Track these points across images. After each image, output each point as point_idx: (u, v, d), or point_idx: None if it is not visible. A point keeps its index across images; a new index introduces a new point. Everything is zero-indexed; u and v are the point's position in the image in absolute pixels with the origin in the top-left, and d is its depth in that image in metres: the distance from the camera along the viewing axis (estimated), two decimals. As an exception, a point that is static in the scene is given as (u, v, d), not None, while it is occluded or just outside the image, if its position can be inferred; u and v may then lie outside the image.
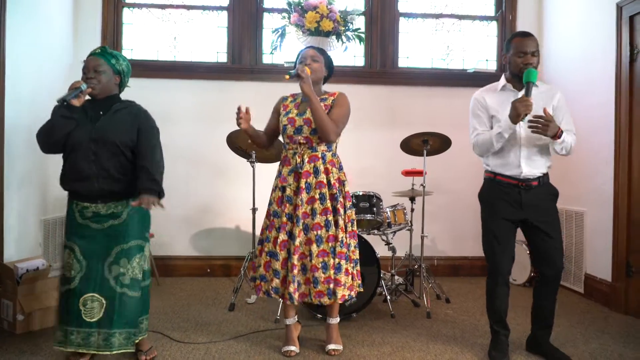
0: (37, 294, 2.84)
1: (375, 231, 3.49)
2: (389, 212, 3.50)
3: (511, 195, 2.49)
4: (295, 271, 2.48)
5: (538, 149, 2.50)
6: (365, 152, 4.31)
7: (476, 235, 4.43)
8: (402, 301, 3.57)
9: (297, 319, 2.70)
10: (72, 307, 2.29)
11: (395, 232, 3.60)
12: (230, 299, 3.43)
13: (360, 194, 3.37)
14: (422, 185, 3.50)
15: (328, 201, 2.54)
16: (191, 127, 4.28)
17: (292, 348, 2.59)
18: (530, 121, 2.37)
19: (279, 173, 2.64)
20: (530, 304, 2.64)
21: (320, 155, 2.57)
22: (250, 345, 2.71)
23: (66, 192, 3.96)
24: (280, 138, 2.78)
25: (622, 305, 3.36)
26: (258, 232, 3.71)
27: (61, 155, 2.44)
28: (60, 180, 2.44)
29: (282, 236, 2.52)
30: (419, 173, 3.58)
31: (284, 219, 2.53)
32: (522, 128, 2.45)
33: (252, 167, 3.54)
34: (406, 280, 3.69)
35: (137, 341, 2.41)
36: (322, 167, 2.55)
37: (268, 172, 3.76)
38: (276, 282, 2.52)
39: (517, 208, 2.48)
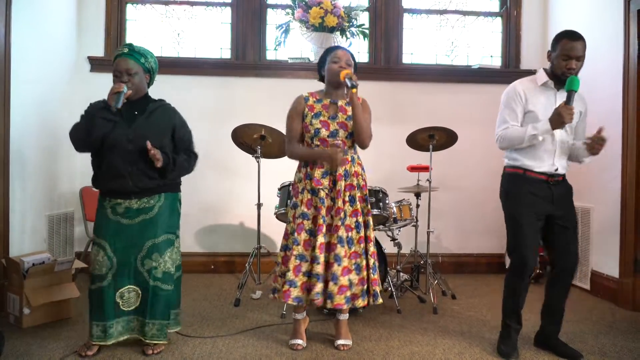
0: (44, 287, 2.83)
1: (381, 227, 3.47)
2: (394, 208, 3.48)
3: (542, 190, 2.48)
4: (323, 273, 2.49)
5: (566, 149, 2.53)
6: (370, 148, 4.25)
7: (481, 233, 4.46)
8: (408, 297, 3.55)
9: (305, 314, 2.69)
10: (108, 302, 2.36)
11: (401, 227, 3.58)
12: (235, 294, 3.42)
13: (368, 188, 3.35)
14: (428, 180, 3.48)
15: (358, 203, 2.57)
16: (195, 123, 4.15)
17: (299, 342, 2.57)
18: (589, 139, 2.40)
19: (308, 175, 2.57)
20: (537, 299, 2.62)
21: (350, 159, 2.59)
22: (257, 339, 2.69)
23: (72, 189, 3.96)
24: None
25: (629, 302, 3.34)
26: (263, 228, 3.72)
27: (90, 154, 2.46)
28: (94, 180, 2.47)
29: (321, 239, 2.49)
30: (425, 169, 3.56)
31: (320, 221, 2.50)
32: (558, 130, 2.43)
33: (258, 162, 3.52)
34: (412, 277, 3.67)
35: (172, 331, 2.54)
36: (352, 170, 2.59)
37: (273, 167, 3.75)
38: (320, 286, 2.46)
39: (548, 202, 2.48)
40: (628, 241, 3.37)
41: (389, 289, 3.32)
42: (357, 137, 2.56)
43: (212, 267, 4.28)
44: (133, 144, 2.37)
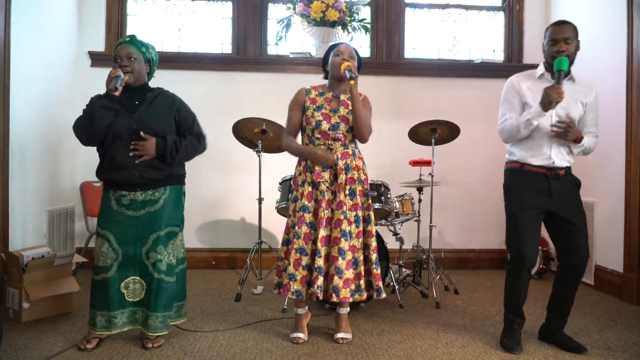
0: (43, 282, 2.81)
1: (383, 221, 3.45)
2: (396, 202, 3.46)
3: (540, 184, 2.46)
4: (325, 266, 2.49)
5: (567, 142, 2.48)
6: (372, 143, 4.22)
7: (484, 228, 4.44)
8: (410, 292, 3.53)
9: (307, 308, 2.67)
10: (113, 293, 2.35)
11: (403, 222, 3.56)
12: (236, 290, 3.40)
13: (369, 182, 3.33)
14: (430, 174, 3.46)
15: (358, 197, 2.56)
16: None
17: (301, 335, 2.56)
18: (553, 125, 2.39)
19: (308, 168, 2.57)
20: (541, 294, 2.61)
21: (350, 152, 2.59)
22: (258, 333, 2.67)
23: (72, 184, 3.95)
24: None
25: (634, 296, 3.31)
26: (264, 223, 3.70)
27: (96, 147, 2.45)
28: (97, 170, 2.45)
29: (322, 232, 2.48)
30: (427, 163, 3.54)
31: (321, 214, 2.50)
32: (554, 120, 2.42)
33: (259, 156, 3.50)
34: (414, 272, 3.65)
35: (175, 324, 2.55)
36: (352, 164, 2.58)
37: (274, 162, 3.74)
38: (321, 280, 2.46)
39: (546, 197, 2.45)
40: (632, 235, 3.34)
41: (391, 283, 3.30)
42: (357, 131, 2.55)
43: (214, 262, 4.26)
44: (136, 134, 2.35)
